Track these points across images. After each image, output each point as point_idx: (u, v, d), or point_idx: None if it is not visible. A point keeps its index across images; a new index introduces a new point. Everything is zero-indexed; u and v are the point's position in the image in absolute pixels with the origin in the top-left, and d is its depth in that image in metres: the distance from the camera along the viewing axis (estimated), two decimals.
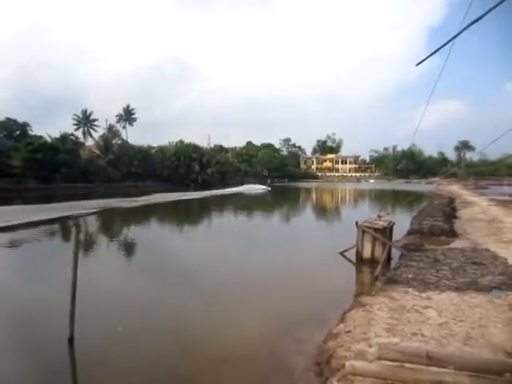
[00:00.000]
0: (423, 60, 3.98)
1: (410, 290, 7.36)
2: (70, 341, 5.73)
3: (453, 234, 15.28)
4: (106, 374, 5.19)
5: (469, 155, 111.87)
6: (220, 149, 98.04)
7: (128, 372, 5.28)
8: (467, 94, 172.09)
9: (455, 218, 21.31)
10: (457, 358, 3.79)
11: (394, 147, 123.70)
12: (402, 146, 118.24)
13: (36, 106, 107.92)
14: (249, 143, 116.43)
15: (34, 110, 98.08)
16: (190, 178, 65.18)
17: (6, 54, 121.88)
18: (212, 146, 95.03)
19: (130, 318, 7.04)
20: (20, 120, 59.37)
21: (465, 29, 3.29)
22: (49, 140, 52.15)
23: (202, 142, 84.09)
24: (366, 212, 24.89)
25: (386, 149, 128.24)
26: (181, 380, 5.13)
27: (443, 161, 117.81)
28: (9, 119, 58.15)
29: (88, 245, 14.65)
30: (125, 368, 5.40)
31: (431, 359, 3.74)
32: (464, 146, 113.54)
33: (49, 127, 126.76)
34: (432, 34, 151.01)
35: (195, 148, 70.64)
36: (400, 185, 78.71)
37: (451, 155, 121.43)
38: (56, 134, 55.49)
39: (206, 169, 67.89)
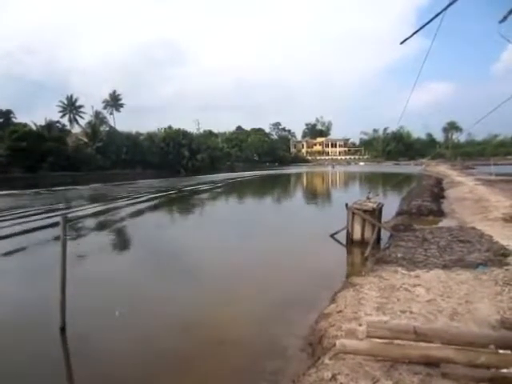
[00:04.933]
0: (408, 37, 3.96)
1: (399, 269, 7.50)
2: (62, 329, 5.75)
3: (440, 214, 15.55)
4: (101, 359, 5.26)
5: (456, 136, 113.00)
6: (210, 134, 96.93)
7: (123, 354, 5.36)
8: (455, 76, 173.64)
9: (443, 197, 21.64)
10: (443, 333, 3.91)
11: (385, 129, 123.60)
12: (392, 127, 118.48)
13: (20, 93, 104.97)
14: (239, 128, 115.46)
15: (17, 97, 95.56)
16: (180, 163, 64.58)
17: None
18: (201, 131, 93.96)
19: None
20: (3, 108, 57.87)
21: (450, 4, 3.26)
22: (34, 128, 50.95)
23: (192, 128, 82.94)
24: (356, 194, 25.12)
25: (375, 130, 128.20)
26: (178, 362, 5.20)
27: (431, 142, 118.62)
28: None
29: None
30: (120, 351, 5.48)
31: (418, 335, 3.85)
32: (451, 127, 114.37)
33: (34, 115, 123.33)
34: (420, 15, 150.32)
35: (184, 134, 69.66)
36: (389, 167, 79.29)
37: (439, 136, 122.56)
38: (41, 122, 54.36)
39: (196, 154, 67.25)
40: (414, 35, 4.29)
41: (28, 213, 18.93)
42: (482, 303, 5.47)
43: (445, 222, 13.46)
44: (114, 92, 77.01)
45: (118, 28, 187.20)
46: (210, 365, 5.10)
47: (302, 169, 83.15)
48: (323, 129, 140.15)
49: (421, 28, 3.85)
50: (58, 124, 58.79)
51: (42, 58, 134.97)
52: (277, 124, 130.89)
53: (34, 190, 31.14)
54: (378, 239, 11.27)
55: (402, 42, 4.01)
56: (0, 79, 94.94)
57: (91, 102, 72.73)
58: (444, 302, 5.61)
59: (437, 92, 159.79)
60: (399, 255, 8.45)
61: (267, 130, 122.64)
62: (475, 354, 3.54)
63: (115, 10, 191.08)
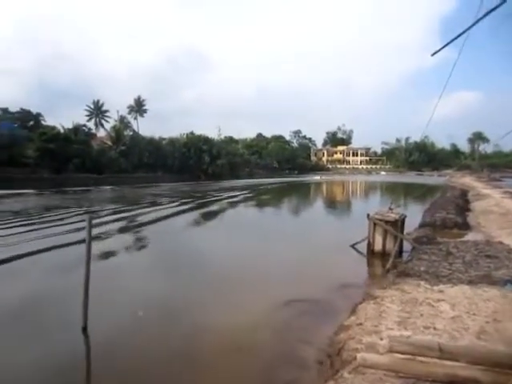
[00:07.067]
0: (438, 50, 3.90)
1: (421, 282, 7.29)
2: (84, 329, 5.87)
3: (466, 227, 15.07)
4: (119, 361, 5.33)
5: (483, 147, 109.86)
6: (230, 140, 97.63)
7: (141, 358, 5.40)
8: (481, 86, 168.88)
9: (468, 210, 20.99)
10: (469, 352, 3.76)
11: (407, 139, 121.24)
12: (415, 137, 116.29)
13: (50, 96, 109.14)
14: (259, 135, 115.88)
15: (47, 101, 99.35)
16: (201, 169, 65.39)
17: (23, 46, 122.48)
18: (222, 137, 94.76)
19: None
20: (34, 111, 60.23)
21: (479, 20, 3.20)
22: (62, 130, 52.77)
23: (213, 134, 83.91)
24: (376, 204, 24.74)
25: (398, 140, 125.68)
26: (195, 367, 5.20)
27: (456, 152, 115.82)
28: (23, 110, 58.85)
29: None
30: (138, 354, 5.52)
31: (443, 352, 3.72)
32: (478, 137, 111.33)
33: (61, 118, 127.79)
34: (446, 21, 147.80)
35: (206, 139, 70.54)
36: (412, 177, 77.73)
37: (464, 147, 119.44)
38: (69, 125, 56.25)
39: (216, 160, 67.88)
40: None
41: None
42: (510, 322, 5.24)
43: (470, 236, 13.03)
44: (139, 98, 79.13)
45: (142, 35, 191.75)
46: (225, 372, 5.07)
47: (323, 177, 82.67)
48: (344, 137, 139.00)
49: (451, 41, 3.79)
50: (84, 127, 60.63)
51: (71, 64, 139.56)
52: (297, 132, 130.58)
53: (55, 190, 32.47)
54: (400, 251, 11.00)
55: (432, 54, 3.96)
56: (32, 83, 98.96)
57: (115, 108, 74.82)
58: (470, 319, 5.40)
59: (462, 101, 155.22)
60: (422, 268, 8.22)
61: (287, 138, 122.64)
62: (504, 376, 3.39)
63: (141, 17, 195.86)
